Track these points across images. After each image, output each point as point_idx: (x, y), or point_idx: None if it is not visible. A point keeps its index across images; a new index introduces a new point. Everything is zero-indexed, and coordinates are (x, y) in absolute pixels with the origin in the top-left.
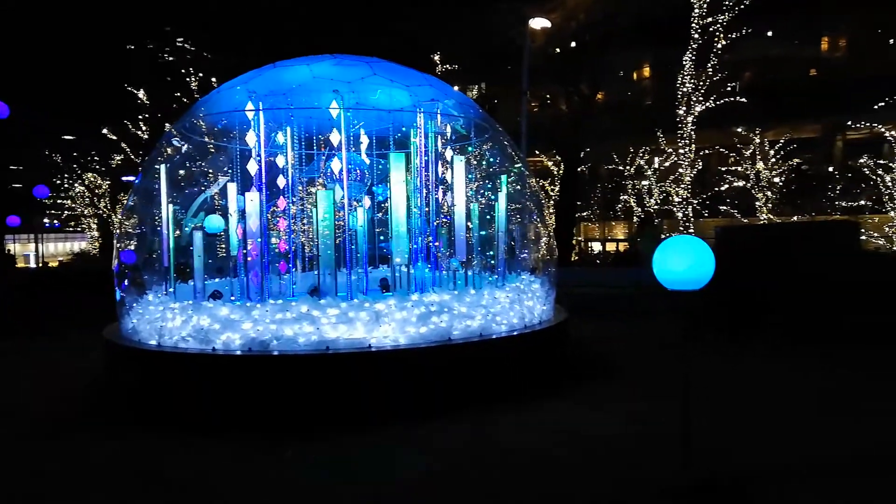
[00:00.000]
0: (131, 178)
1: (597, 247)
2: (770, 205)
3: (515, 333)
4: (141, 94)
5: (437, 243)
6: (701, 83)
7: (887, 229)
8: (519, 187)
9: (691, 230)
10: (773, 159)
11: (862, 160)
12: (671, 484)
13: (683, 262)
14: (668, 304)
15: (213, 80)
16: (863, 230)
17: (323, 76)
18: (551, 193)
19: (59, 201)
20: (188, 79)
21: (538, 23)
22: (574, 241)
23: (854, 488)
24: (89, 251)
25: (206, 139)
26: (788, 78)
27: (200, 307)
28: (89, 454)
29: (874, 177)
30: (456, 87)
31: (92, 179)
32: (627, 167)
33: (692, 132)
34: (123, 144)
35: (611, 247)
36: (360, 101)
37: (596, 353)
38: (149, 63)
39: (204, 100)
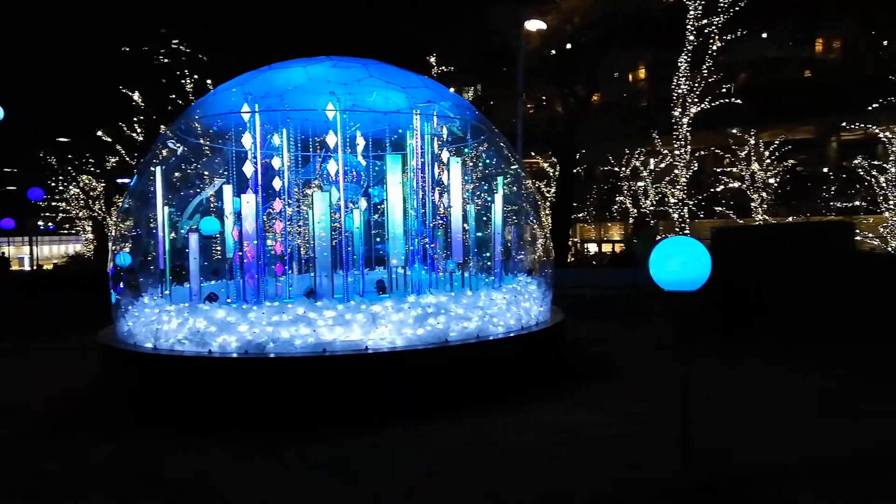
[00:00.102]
0: (126, 181)
1: (593, 248)
2: (765, 206)
3: (512, 335)
4: (136, 96)
5: (433, 245)
6: (696, 84)
7: (882, 230)
8: (515, 189)
9: (687, 231)
10: (768, 160)
11: (856, 161)
12: (670, 485)
13: (680, 263)
14: (665, 305)
15: (209, 81)
16: (858, 231)
17: (319, 78)
18: (547, 195)
19: (53, 204)
20: (183, 80)
21: (533, 25)
22: (570, 243)
23: (853, 489)
24: (84, 254)
25: (202, 141)
26: (783, 79)
27: (196, 310)
28: (89, 454)
29: (868, 177)
30: (451, 89)
31: (87, 182)
32: (623, 168)
33: (688, 133)
34: (118, 146)
35: (607, 248)
36: (356, 102)
37: (593, 354)
38: (144, 65)
39: (199, 101)
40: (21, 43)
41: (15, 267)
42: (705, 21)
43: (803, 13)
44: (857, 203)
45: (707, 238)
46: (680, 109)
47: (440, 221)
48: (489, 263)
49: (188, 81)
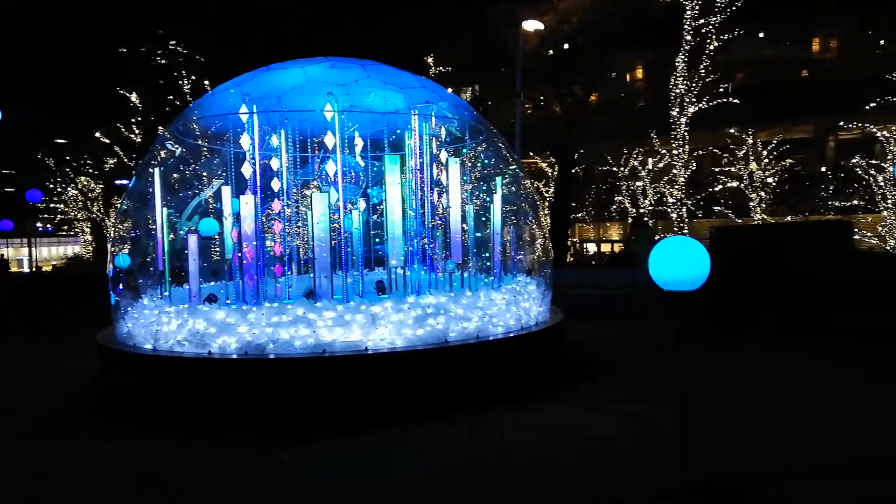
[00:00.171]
0: (125, 182)
1: (592, 248)
2: (764, 205)
3: (512, 335)
4: (134, 97)
5: (432, 245)
6: (694, 84)
7: (880, 229)
8: (514, 189)
9: (686, 231)
10: (767, 160)
11: (854, 160)
12: (669, 485)
13: (679, 263)
14: (664, 305)
15: (206, 82)
16: (856, 230)
17: (317, 79)
18: (546, 195)
19: (51, 205)
20: (181, 81)
21: (531, 25)
22: (569, 243)
23: (852, 489)
24: (83, 255)
25: (200, 142)
26: (781, 79)
27: (196, 311)
28: (88, 455)
29: (866, 177)
30: (449, 89)
31: (85, 183)
32: (622, 168)
33: (686, 133)
34: (116, 148)
35: (606, 248)
36: (354, 103)
37: (593, 355)
38: (142, 65)
39: (197, 102)
40: (20, 43)
41: (14, 269)
42: (703, 21)
43: (801, 13)
44: (856, 202)
45: (706, 238)
46: (678, 109)
47: (439, 222)
48: (488, 264)
49: (186, 82)
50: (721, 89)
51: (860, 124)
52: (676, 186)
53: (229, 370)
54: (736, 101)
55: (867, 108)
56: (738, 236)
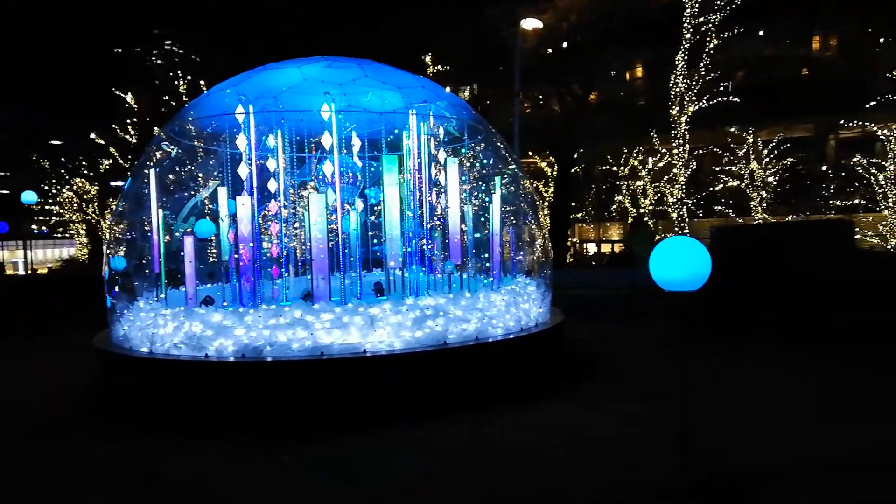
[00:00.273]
0: (120, 183)
1: (592, 248)
2: (764, 204)
3: (512, 336)
4: (129, 97)
5: (431, 246)
6: (694, 83)
7: (881, 228)
8: (513, 189)
9: (686, 231)
10: (767, 159)
11: (855, 159)
12: (669, 485)
13: (680, 263)
14: (664, 305)
15: (202, 82)
16: (857, 229)
17: (314, 78)
18: (545, 195)
19: (46, 207)
20: (176, 82)
21: (530, 23)
22: (569, 243)
23: (852, 489)
24: (78, 257)
25: (196, 143)
26: (781, 77)
27: (192, 313)
28: (89, 455)
29: (867, 175)
30: (448, 89)
31: (80, 185)
32: (622, 168)
33: (686, 132)
34: (111, 149)
35: (606, 248)
36: (351, 103)
37: (593, 355)
38: (138, 66)
39: (193, 103)
40: (18, 43)
41: (10, 271)
42: (702, 19)
43: (801, 11)
44: (857, 201)
45: (707, 237)
46: (678, 108)
47: (437, 222)
48: (487, 265)
49: (181, 83)
50: (721, 88)
51: (861, 123)
52: (677, 186)
53: (227, 373)
54: (736, 99)
55: (868, 106)
56: (739, 236)
